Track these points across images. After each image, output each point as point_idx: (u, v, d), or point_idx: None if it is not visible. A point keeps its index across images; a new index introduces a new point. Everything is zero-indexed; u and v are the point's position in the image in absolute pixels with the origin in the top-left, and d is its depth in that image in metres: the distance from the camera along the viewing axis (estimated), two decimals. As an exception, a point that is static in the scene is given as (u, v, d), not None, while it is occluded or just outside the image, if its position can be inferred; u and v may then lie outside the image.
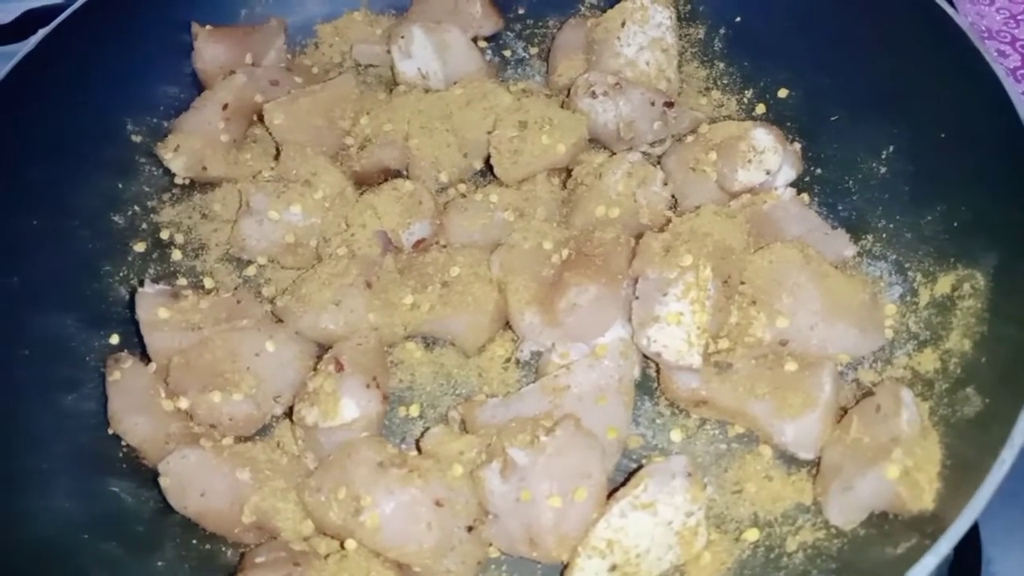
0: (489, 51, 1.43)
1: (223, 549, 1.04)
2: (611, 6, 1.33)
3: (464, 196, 1.26)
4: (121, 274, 1.24)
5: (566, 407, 1.03)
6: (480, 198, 1.23)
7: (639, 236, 1.10)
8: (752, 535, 0.99)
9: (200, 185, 1.32)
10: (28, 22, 1.55)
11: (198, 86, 1.38)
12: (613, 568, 0.93)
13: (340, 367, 1.05)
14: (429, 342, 1.18)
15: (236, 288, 1.21)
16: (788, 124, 1.26)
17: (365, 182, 1.26)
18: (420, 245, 1.19)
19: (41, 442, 1.05)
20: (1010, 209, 1.00)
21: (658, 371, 1.09)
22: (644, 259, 1.05)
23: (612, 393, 1.04)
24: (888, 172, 1.17)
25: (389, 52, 1.36)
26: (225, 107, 1.30)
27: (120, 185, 1.29)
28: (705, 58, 1.37)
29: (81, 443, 1.08)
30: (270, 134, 1.30)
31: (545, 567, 1.00)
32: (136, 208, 1.29)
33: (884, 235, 1.15)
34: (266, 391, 1.09)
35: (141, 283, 1.18)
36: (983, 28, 1.41)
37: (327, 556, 0.97)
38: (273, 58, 1.38)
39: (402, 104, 1.30)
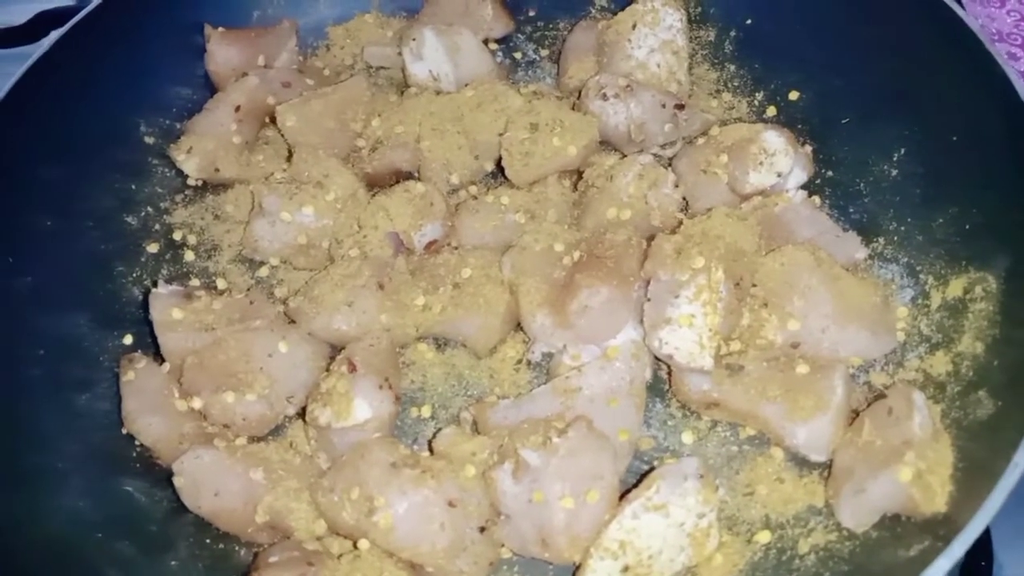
0: (500, 53, 1.44)
1: (236, 549, 1.04)
2: (622, 8, 1.33)
3: (475, 198, 1.26)
4: (134, 275, 1.25)
5: (578, 409, 1.03)
6: (491, 200, 1.23)
7: (650, 238, 1.10)
8: (764, 537, 0.99)
9: (212, 186, 1.33)
10: (40, 23, 1.55)
11: (210, 88, 1.38)
12: (625, 569, 0.93)
13: (353, 368, 1.06)
14: (441, 343, 1.18)
15: (249, 289, 1.21)
16: (799, 126, 1.26)
17: (377, 184, 1.27)
18: (432, 247, 1.19)
19: (55, 441, 1.06)
20: (1021, 212, 1.00)
21: (670, 373, 1.09)
22: (656, 261, 1.06)
23: (624, 395, 1.04)
24: (899, 175, 1.17)
25: (400, 54, 1.36)
26: (237, 109, 1.30)
27: (133, 186, 1.30)
28: (716, 60, 1.38)
29: (95, 442, 1.08)
30: (282, 136, 1.30)
31: (557, 568, 1.00)
32: (149, 209, 1.30)
33: (895, 238, 1.15)
34: (279, 391, 1.09)
35: (154, 284, 1.19)
36: (993, 31, 1.41)
37: (340, 556, 0.97)
38: (285, 60, 1.39)
39: (413, 106, 1.30)
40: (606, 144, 1.30)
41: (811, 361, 1.04)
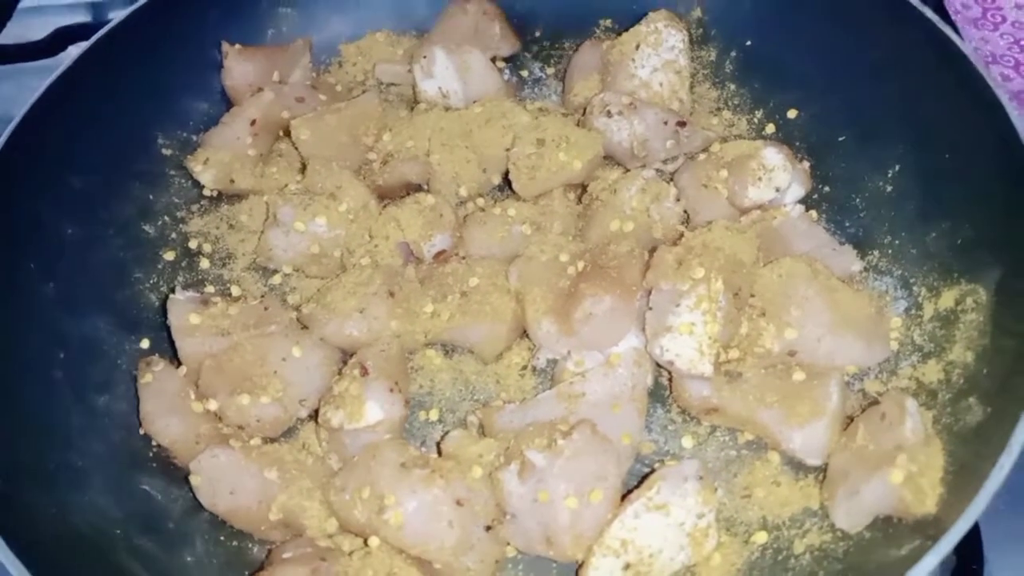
0: (507, 71, 1.48)
1: (250, 546, 1.08)
2: (626, 29, 1.37)
3: (483, 210, 1.30)
4: (151, 281, 1.28)
5: (581, 413, 1.06)
6: (499, 212, 1.27)
7: (652, 250, 1.14)
8: (761, 538, 1.02)
9: (228, 197, 1.37)
10: (58, 39, 1.60)
11: (227, 102, 1.42)
12: (627, 567, 0.96)
13: (365, 371, 1.10)
14: (448, 349, 1.21)
15: (263, 296, 1.25)
16: (797, 144, 1.30)
17: (388, 196, 1.31)
18: (440, 256, 1.23)
19: (76, 440, 1.09)
20: (1011, 227, 1.04)
21: (670, 379, 1.13)
22: (658, 271, 1.09)
23: (626, 400, 1.07)
24: (894, 191, 1.21)
25: (411, 72, 1.40)
26: (253, 123, 1.34)
27: (151, 196, 1.34)
28: (717, 80, 1.42)
29: (114, 442, 1.12)
30: (296, 149, 1.34)
31: (560, 566, 1.03)
32: (166, 218, 1.34)
33: (890, 251, 1.19)
34: (292, 395, 1.13)
35: (172, 290, 1.22)
36: (987, 53, 1.45)
37: (351, 553, 1.00)
38: (299, 76, 1.43)
39: (423, 121, 1.34)
40: (610, 159, 1.34)
41: (807, 369, 1.07)
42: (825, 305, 1.08)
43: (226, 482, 1.05)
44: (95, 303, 1.22)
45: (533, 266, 1.18)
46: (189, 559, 1.05)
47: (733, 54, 1.41)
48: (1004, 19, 1.39)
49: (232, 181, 1.34)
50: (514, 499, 1.00)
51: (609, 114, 1.30)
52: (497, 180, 1.34)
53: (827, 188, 1.27)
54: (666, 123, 1.29)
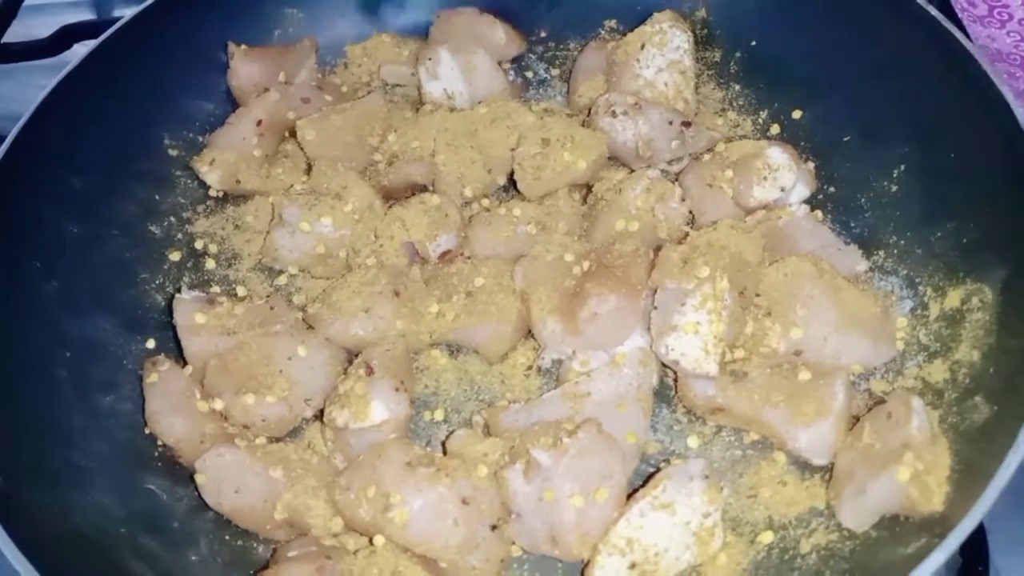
0: (512, 72, 1.48)
1: (255, 545, 1.08)
2: (630, 30, 1.38)
3: (488, 210, 1.30)
4: (157, 282, 1.28)
5: (587, 413, 1.06)
6: (504, 212, 1.27)
7: (657, 249, 1.14)
8: (767, 537, 1.02)
9: (233, 197, 1.37)
10: (64, 37, 1.60)
11: (232, 103, 1.42)
12: (632, 566, 0.96)
13: (371, 371, 1.10)
14: (453, 349, 1.21)
15: (268, 296, 1.25)
16: (802, 144, 1.30)
17: (393, 196, 1.31)
18: (446, 256, 1.23)
19: (80, 439, 1.09)
20: (1017, 227, 1.04)
21: (676, 379, 1.12)
22: (663, 271, 1.09)
23: (631, 400, 1.07)
24: (899, 191, 1.21)
25: (416, 73, 1.41)
26: (259, 123, 1.35)
27: (157, 196, 1.34)
28: (721, 80, 1.42)
29: (119, 442, 1.12)
30: (302, 149, 1.34)
31: (566, 565, 1.03)
32: (172, 219, 1.34)
33: (895, 251, 1.19)
34: (298, 394, 1.13)
35: (177, 290, 1.23)
36: (993, 50, 1.44)
37: (356, 551, 1.00)
38: (305, 77, 1.43)
39: (428, 122, 1.34)
40: (615, 160, 1.34)
41: (813, 368, 1.07)
42: (831, 305, 1.08)
43: (231, 481, 1.05)
44: (100, 303, 1.22)
45: (538, 266, 1.18)
46: (194, 558, 1.05)
47: (738, 54, 1.41)
48: (1011, 17, 1.38)
49: (238, 182, 1.34)
50: (519, 498, 1.00)
51: (614, 114, 1.30)
52: (502, 180, 1.34)
53: (832, 188, 1.27)
54: (671, 123, 1.29)
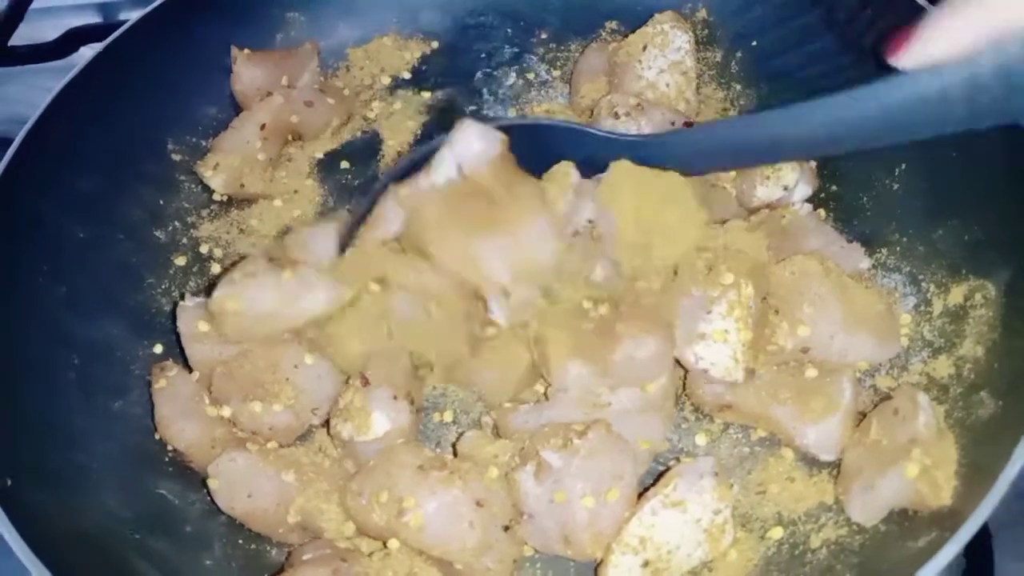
0: (513, 74, 1.49)
1: (268, 549, 1.08)
2: (631, 31, 1.39)
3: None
4: (163, 286, 1.29)
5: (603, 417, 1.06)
6: None
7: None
8: (776, 533, 1.03)
9: (237, 201, 1.37)
10: (70, 40, 1.61)
11: (236, 107, 1.43)
12: (645, 564, 0.97)
13: (366, 381, 1.10)
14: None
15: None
16: (803, 143, 1.31)
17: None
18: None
19: (91, 444, 1.09)
20: (1020, 224, 1.05)
21: (684, 377, 1.13)
22: (688, 277, 1.09)
23: (653, 411, 1.08)
24: (901, 189, 1.22)
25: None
26: (263, 127, 1.35)
27: (161, 201, 1.34)
28: (723, 80, 1.42)
29: (129, 446, 1.12)
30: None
31: (579, 564, 1.03)
32: (176, 223, 1.34)
33: (898, 248, 1.20)
34: (304, 402, 1.12)
35: (183, 296, 1.23)
36: None
37: (371, 554, 1.01)
38: (307, 80, 1.43)
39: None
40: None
41: (820, 365, 1.08)
42: (837, 302, 1.09)
43: (244, 485, 1.06)
44: (107, 308, 1.22)
45: (554, 310, 1.13)
46: (208, 562, 1.05)
47: (739, 54, 1.42)
48: None
49: (242, 185, 1.35)
50: (531, 500, 1.01)
51: (617, 115, 1.30)
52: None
53: (834, 187, 1.28)
54: (673, 124, 1.30)
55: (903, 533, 0.94)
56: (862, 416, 1.06)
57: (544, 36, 1.52)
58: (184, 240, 1.33)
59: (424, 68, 1.50)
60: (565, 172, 1.12)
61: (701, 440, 1.12)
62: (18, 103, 1.44)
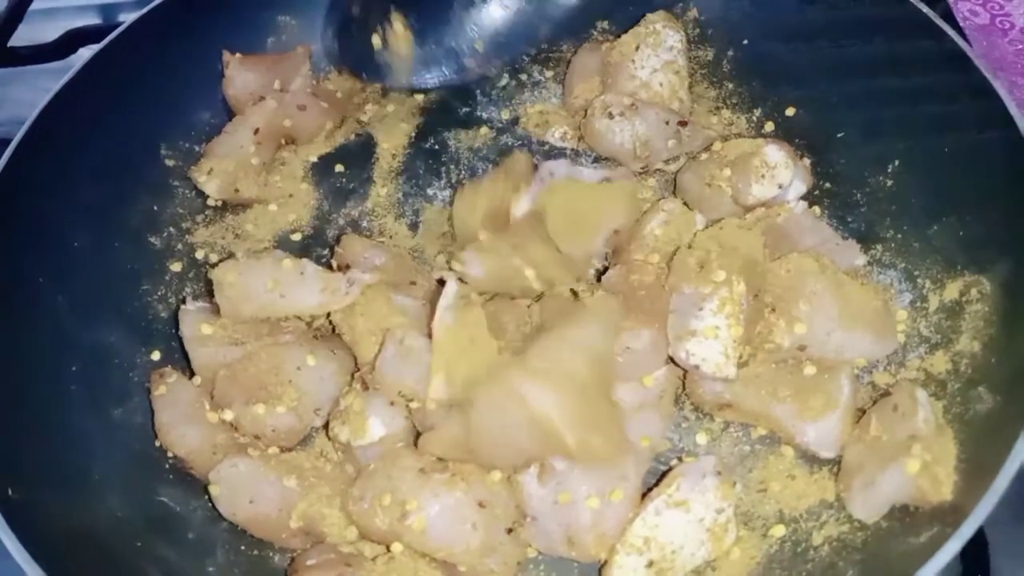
0: (506, 75, 1.49)
1: (271, 555, 1.08)
2: (623, 31, 1.39)
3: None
4: (160, 293, 1.28)
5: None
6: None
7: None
8: (779, 531, 1.03)
9: (232, 206, 1.37)
10: (69, 41, 1.61)
11: (228, 112, 1.42)
12: (650, 564, 0.97)
13: (365, 386, 1.10)
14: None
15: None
16: (797, 141, 1.31)
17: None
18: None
19: (93, 452, 1.09)
20: (1014, 218, 1.06)
21: (683, 377, 1.14)
22: (679, 275, 1.10)
23: (651, 408, 1.08)
24: (895, 186, 1.23)
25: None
26: (256, 131, 1.35)
27: (155, 207, 1.33)
28: (715, 79, 1.43)
29: (131, 454, 1.12)
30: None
31: (582, 565, 1.04)
32: (172, 229, 1.33)
33: (893, 245, 1.21)
34: (307, 404, 1.12)
35: (182, 301, 1.22)
36: (995, 59, 1.44)
37: (375, 558, 1.01)
38: (299, 84, 1.42)
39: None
40: (612, 160, 1.35)
41: (818, 363, 1.09)
42: (834, 299, 1.09)
43: (246, 491, 1.05)
44: (104, 315, 1.21)
45: (553, 300, 1.15)
46: (211, 569, 1.05)
47: (730, 53, 1.43)
48: (1012, 25, 1.39)
49: (236, 190, 1.34)
50: (535, 501, 1.01)
51: (611, 116, 1.31)
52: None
53: (828, 184, 1.29)
54: (667, 123, 1.31)
55: (905, 529, 0.95)
56: (861, 413, 1.07)
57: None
58: (179, 246, 1.33)
59: (418, 70, 1.49)
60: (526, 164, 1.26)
61: (702, 439, 1.12)
62: (18, 104, 1.44)
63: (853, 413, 1.07)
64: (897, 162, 1.23)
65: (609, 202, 1.24)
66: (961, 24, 1.42)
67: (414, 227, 1.36)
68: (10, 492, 0.96)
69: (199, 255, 1.32)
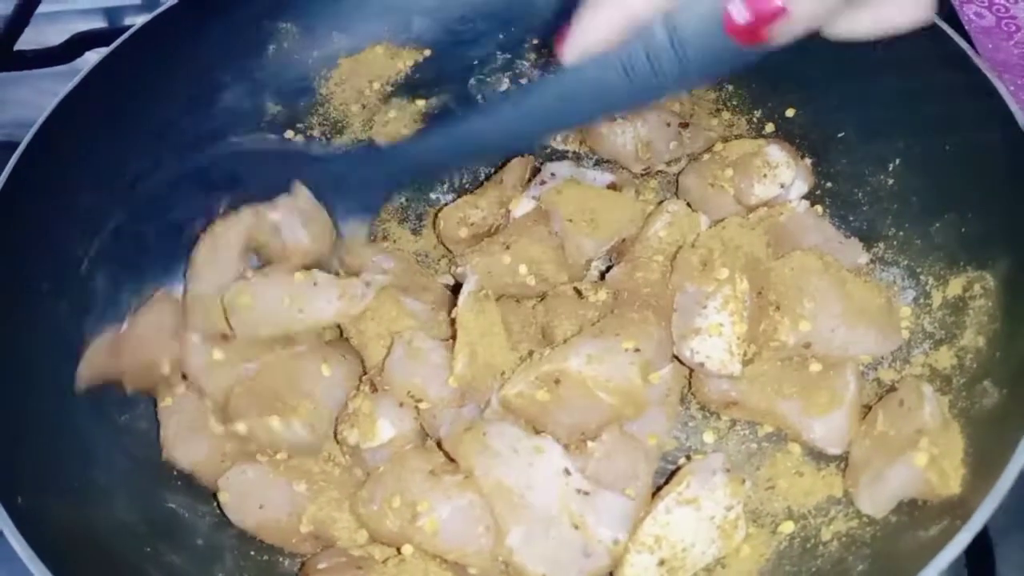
0: (506, 80, 1.49)
1: (281, 559, 1.08)
2: (622, 34, 1.40)
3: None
4: (163, 300, 1.28)
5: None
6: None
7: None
8: (787, 527, 1.04)
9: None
10: (75, 44, 1.62)
11: (226, 120, 1.41)
12: (661, 563, 0.97)
13: (374, 388, 1.10)
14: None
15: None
16: (797, 141, 1.32)
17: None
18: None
19: (100, 459, 1.09)
20: (1016, 215, 1.07)
21: (689, 375, 1.14)
22: (683, 274, 1.11)
23: (657, 405, 1.09)
24: (896, 184, 1.24)
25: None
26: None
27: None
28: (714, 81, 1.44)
29: (138, 460, 1.12)
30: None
31: (593, 564, 1.04)
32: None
33: (895, 242, 1.21)
34: (323, 414, 1.10)
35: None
36: (999, 62, 1.44)
37: (385, 560, 1.01)
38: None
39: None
40: (614, 163, 1.36)
41: (823, 360, 1.09)
42: (838, 297, 1.09)
43: (255, 497, 1.05)
44: (109, 321, 1.21)
45: (558, 300, 1.17)
46: (220, 575, 1.05)
47: (729, 55, 1.43)
48: (1018, 28, 1.39)
49: None
50: (546, 501, 1.01)
51: (613, 118, 1.32)
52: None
53: (829, 184, 1.30)
54: (669, 125, 1.32)
55: (914, 523, 0.96)
56: (867, 409, 1.08)
57: (535, 41, 1.52)
58: (183, 252, 1.32)
59: (417, 76, 1.50)
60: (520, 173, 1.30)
61: (709, 438, 1.13)
62: (24, 107, 1.44)
63: (859, 409, 1.07)
64: (897, 161, 1.24)
65: (622, 211, 1.24)
66: (966, 26, 1.42)
67: (417, 232, 1.36)
68: (19, 500, 0.95)
69: (201, 263, 1.32)
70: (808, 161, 1.30)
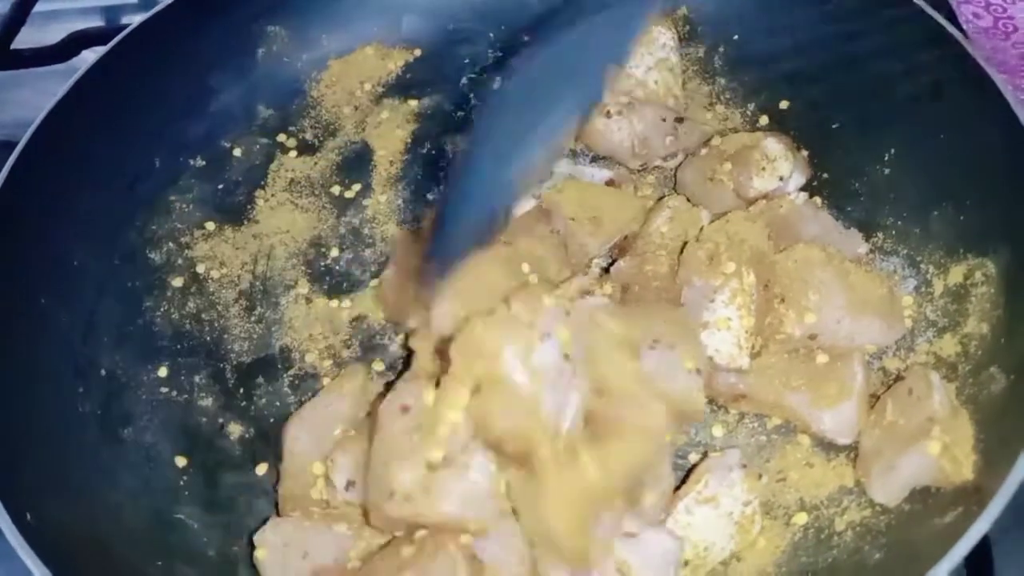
0: (498, 78, 1.48)
1: (294, 570, 1.07)
2: (616, 30, 1.39)
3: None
4: (162, 309, 1.26)
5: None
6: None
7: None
8: (801, 519, 1.04)
9: (232, 220, 1.35)
10: (73, 43, 1.60)
11: (221, 125, 1.40)
12: (685, 563, 0.98)
13: None
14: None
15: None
16: (793, 133, 1.32)
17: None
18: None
19: (105, 472, 1.08)
20: (1014, 201, 1.08)
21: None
22: (690, 268, 1.11)
23: None
24: (892, 174, 1.24)
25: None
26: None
27: (153, 226, 1.32)
28: (707, 75, 1.43)
29: (144, 473, 1.11)
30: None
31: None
32: (171, 244, 1.31)
33: (894, 232, 1.22)
34: None
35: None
36: (998, 61, 1.44)
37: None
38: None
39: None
40: (610, 159, 1.36)
41: (829, 351, 1.10)
42: (841, 288, 1.10)
43: (296, 547, 1.01)
44: (108, 335, 1.20)
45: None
46: (234, 586, 1.04)
47: (721, 49, 1.43)
48: (1016, 28, 1.39)
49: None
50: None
51: (608, 115, 1.32)
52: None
53: (826, 175, 1.30)
54: (664, 120, 1.31)
55: (928, 510, 0.97)
56: (874, 398, 1.08)
57: (527, 39, 1.52)
58: (179, 261, 1.31)
59: (409, 76, 1.49)
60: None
61: (718, 431, 1.13)
62: (21, 106, 1.42)
63: (867, 399, 1.08)
64: (893, 151, 1.25)
65: (623, 208, 1.25)
66: (964, 27, 1.43)
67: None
68: (28, 517, 0.94)
69: (200, 269, 1.31)
70: (804, 153, 1.31)
